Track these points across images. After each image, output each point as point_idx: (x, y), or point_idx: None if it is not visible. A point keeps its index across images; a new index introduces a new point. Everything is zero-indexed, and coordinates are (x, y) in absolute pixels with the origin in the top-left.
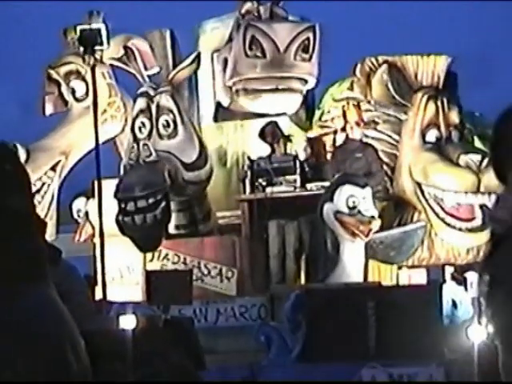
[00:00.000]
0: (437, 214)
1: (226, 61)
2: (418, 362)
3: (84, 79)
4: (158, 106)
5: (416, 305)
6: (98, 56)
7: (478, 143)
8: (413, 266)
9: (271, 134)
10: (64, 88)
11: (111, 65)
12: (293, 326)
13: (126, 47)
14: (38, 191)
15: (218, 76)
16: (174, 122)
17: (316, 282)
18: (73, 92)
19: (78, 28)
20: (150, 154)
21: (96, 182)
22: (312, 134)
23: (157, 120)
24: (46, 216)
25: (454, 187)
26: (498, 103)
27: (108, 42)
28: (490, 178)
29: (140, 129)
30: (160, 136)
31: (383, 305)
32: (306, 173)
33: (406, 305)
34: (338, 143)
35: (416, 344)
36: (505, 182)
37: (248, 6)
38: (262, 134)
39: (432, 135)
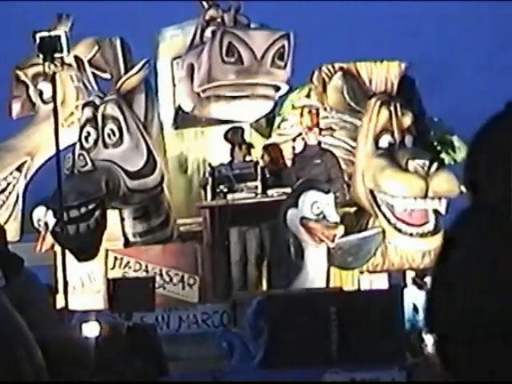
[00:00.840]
0: (388, 220)
1: (191, 66)
2: (380, 367)
3: (53, 80)
4: (103, 115)
5: (377, 309)
6: (57, 63)
7: (436, 148)
8: (374, 271)
9: (235, 137)
10: (31, 90)
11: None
12: (255, 332)
13: (75, 56)
14: (3, 191)
15: (182, 82)
16: (120, 130)
17: (279, 289)
18: (40, 94)
19: (38, 35)
20: (86, 164)
21: (58, 190)
22: (271, 140)
23: (102, 129)
24: (10, 216)
25: (403, 193)
26: (456, 107)
27: (68, 50)
28: (438, 183)
29: (86, 138)
30: (105, 145)
31: (345, 310)
32: (267, 179)
33: (367, 309)
34: (296, 150)
35: (378, 348)
36: (474, 191)
37: (212, 12)
38: (227, 136)
39: (385, 141)
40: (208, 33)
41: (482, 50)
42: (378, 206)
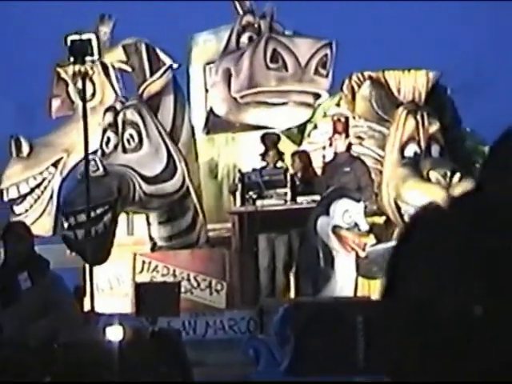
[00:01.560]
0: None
1: (228, 72)
2: None
3: (91, 80)
4: (123, 120)
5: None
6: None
7: (468, 158)
8: None
9: (270, 142)
10: (71, 88)
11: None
12: (281, 339)
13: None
14: (38, 186)
15: (216, 87)
16: (139, 135)
17: (307, 296)
18: (79, 92)
19: (69, 38)
20: (97, 169)
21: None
22: (302, 148)
23: (122, 134)
24: (44, 211)
25: (424, 203)
26: (494, 117)
27: (99, 53)
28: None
29: (107, 143)
30: (124, 150)
31: (372, 319)
32: (297, 186)
33: None
34: (326, 158)
35: None
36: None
37: (248, 18)
38: (263, 139)
39: (411, 150)
40: (244, 38)
41: None
42: (401, 216)
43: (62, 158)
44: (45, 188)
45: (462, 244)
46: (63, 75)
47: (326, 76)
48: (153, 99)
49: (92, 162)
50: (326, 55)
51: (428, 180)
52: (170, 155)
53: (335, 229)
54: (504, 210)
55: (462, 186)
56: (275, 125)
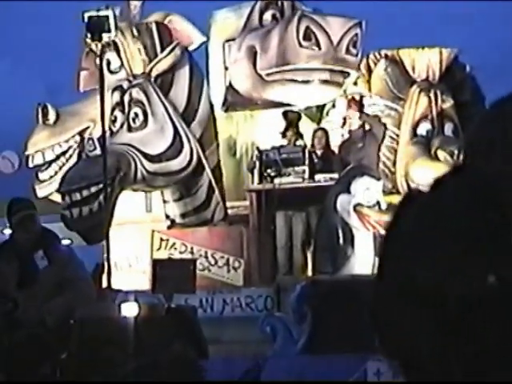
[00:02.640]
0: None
1: (252, 49)
2: None
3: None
4: (130, 99)
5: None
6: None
7: None
8: None
9: (293, 119)
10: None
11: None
12: (298, 317)
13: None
14: (64, 153)
15: (238, 64)
16: (145, 114)
17: (325, 274)
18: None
19: (86, 15)
20: (94, 149)
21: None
22: (321, 126)
23: (128, 113)
24: (75, 165)
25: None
26: None
27: (116, 28)
28: None
29: (113, 122)
30: (130, 129)
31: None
32: (315, 164)
33: None
34: (344, 137)
35: None
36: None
37: None
38: (286, 115)
39: (423, 128)
40: (268, 16)
41: None
42: None
43: (88, 127)
44: (70, 156)
45: (455, 222)
46: (93, 47)
47: (356, 55)
48: (164, 77)
49: (89, 142)
50: (356, 34)
51: (436, 158)
52: (176, 133)
53: (357, 207)
54: (489, 188)
55: None
56: (301, 103)
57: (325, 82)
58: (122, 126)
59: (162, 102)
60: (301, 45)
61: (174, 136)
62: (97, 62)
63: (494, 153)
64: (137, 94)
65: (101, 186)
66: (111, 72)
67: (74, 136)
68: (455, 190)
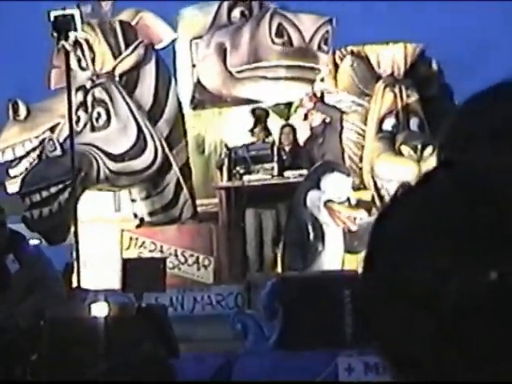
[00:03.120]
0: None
1: (221, 46)
2: None
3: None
4: (92, 98)
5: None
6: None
7: None
8: None
9: (261, 116)
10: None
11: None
12: (269, 313)
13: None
14: (34, 149)
15: (207, 61)
16: (108, 113)
17: (296, 271)
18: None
19: (52, 14)
20: (55, 149)
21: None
22: (289, 122)
23: (91, 113)
24: (35, 166)
25: (396, 177)
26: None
27: (82, 28)
28: (431, 166)
29: (77, 122)
30: (93, 128)
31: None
32: (284, 161)
33: None
34: (309, 133)
35: None
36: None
37: None
38: (254, 112)
39: (389, 124)
40: (236, 13)
41: None
42: (378, 190)
43: (59, 123)
44: (40, 152)
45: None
46: (66, 45)
47: (327, 52)
48: (129, 75)
49: (50, 142)
50: (327, 31)
51: (400, 153)
52: (140, 132)
53: (327, 203)
54: (482, 182)
55: (432, 160)
56: (272, 99)
57: (297, 78)
58: (85, 126)
59: (125, 101)
60: (273, 42)
61: (138, 135)
62: (86, 56)
63: (475, 146)
64: (99, 93)
65: (60, 186)
66: (82, 69)
67: (44, 132)
68: (447, 186)
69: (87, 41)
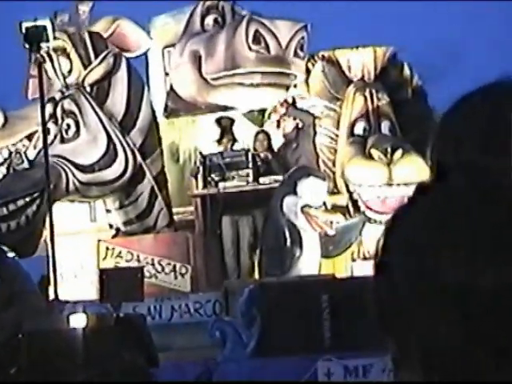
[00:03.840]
0: (358, 209)
1: (195, 53)
2: (373, 354)
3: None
4: (62, 110)
5: (370, 296)
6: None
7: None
8: (365, 258)
9: (226, 125)
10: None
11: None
12: (247, 320)
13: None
14: (6, 160)
15: (181, 69)
16: (77, 124)
17: (274, 277)
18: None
19: (23, 25)
20: (22, 162)
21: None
22: (263, 129)
23: (61, 124)
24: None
25: (367, 181)
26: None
27: (54, 38)
28: (402, 169)
29: (47, 134)
30: (62, 140)
31: (337, 297)
32: (259, 167)
33: (359, 296)
34: (283, 139)
35: (371, 335)
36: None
37: (210, 2)
38: (220, 122)
39: (360, 128)
40: (209, 20)
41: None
42: (350, 194)
43: (36, 131)
44: (8, 165)
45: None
46: (42, 52)
47: (303, 58)
48: (99, 85)
49: (17, 155)
50: (303, 37)
51: (370, 157)
52: (110, 142)
53: (304, 208)
54: (495, 184)
55: (402, 163)
56: (246, 106)
57: (273, 84)
58: (55, 138)
59: (95, 111)
60: (250, 48)
61: (108, 145)
62: (46, 66)
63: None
64: (69, 105)
65: (28, 199)
66: (59, 79)
67: (22, 140)
68: (461, 188)
69: (64, 49)
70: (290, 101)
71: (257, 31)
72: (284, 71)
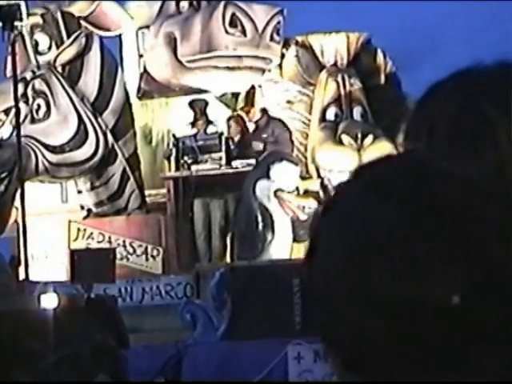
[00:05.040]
0: (329, 193)
1: (170, 35)
2: None
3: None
4: (33, 90)
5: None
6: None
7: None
8: None
9: (198, 108)
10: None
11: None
12: (218, 303)
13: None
14: None
15: (155, 51)
16: (47, 105)
17: (245, 260)
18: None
19: None
20: None
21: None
22: (236, 112)
23: (32, 105)
24: None
25: (337, 167)
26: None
27: (28, 17)
28: (372, 155)
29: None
30: (33, 120)
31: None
32: (232, 150)
33: None
34: (257, 123)
35: None
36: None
37: None
38: (192, 105)
39: (332, 113)
40: (185, 3)
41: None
42: (321, 180)
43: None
44: None
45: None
46: (23, 31)
47: (279, 42)
48: (71, 66)
49: None
50: (279, 22)
51: (341, 143)
52: (81, 123)
53: (277, 192)
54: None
55: (373, 149)
56: (220, 89)
57: (249, 68)
58: (25, 118)
59: (66, 92)
60: (227, 31)
61: (79, 126)
62: (25, 43)
63: (435, 136)
64: (39, 85)
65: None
66: (39, 53)
67: None
68: (388, 174)
69: (43, 27)
70: (257, 87)
71: (233, 14)
72: (260, 55)
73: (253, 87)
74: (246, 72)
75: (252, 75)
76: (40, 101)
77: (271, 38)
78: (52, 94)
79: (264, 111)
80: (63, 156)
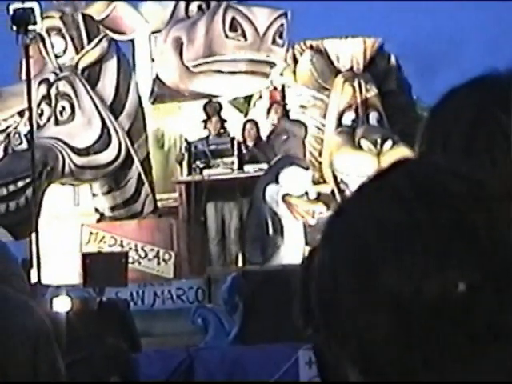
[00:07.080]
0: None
1: (178, 40)
2: None
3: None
4: (56, 92)
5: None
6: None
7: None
8: None
9: (212, 111)
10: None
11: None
12: (230, 308)
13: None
14: (2, 131)
15: (165, 56)
16: (72, 107)
17: (256, 265)
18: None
19: (11, 7)
20: (21, 143)
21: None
22: (249, 117)
23: (55, 106)
24: (1, 160)
25: (355, 171)
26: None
27: (47, 17)
28: (391, 161)
29: (40, 115)
30: (57, 122)
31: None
32: (244, 155)
33: None
34: (271, 127)
35: None
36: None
37: None
38: (205, 108)
39: (348, 118)
40: (193, 7)
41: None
42: (338, 185)
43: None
44: (8, 135)
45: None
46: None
47: (282, 46)
48: (91, 69)
49: (16, 136)
50: (282, 25)
51: (360, 148)
52: (104, 126)
53: (285, 197)
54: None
55: (392, 154)
56: (228, 94)
57: (251, 72)
58: (49, 120)
59: (89, 94)
60: (227, 36)
61: (102, 129)
62: (46, 49)
63: (451, 144)
64: (63, 86)
65: (27, 180)
66: (55, 56)
67: (13, 115)
68: (400, 182)
69: (59, 29)
70: (279, 88)
71: (233, 18)
72: (262, 59)
73: (275, 88)
74: (249, 76)
75: (255, 79)
76: (64, 103)
77: (273, 42)
78: (76, 96)
79: (287, 113)
80: (88, 159)
